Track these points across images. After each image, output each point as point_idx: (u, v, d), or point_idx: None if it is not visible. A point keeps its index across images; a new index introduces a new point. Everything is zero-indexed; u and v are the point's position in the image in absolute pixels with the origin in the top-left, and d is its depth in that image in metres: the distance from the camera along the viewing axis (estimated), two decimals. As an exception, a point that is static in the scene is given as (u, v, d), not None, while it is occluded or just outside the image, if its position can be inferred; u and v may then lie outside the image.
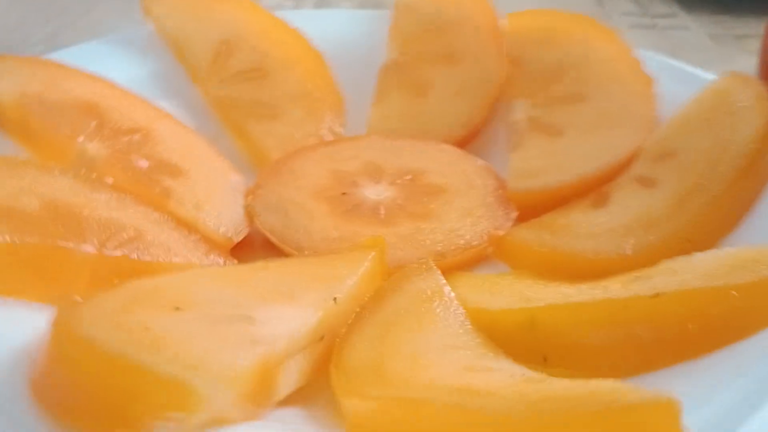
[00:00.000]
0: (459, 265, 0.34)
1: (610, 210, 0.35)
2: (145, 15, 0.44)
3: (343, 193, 0.37)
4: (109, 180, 0.32)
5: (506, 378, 0.24)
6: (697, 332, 0.25)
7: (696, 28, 0.61)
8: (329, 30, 0.47)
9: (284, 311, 0.26)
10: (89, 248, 0.27)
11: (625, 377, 0.26)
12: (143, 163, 0.34)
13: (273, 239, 0.34)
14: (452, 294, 0.30)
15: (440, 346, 0.27)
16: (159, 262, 0.29)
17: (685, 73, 0.41)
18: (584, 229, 0.34)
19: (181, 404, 0.21)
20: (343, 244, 0.33)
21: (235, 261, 0.33)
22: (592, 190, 0.37)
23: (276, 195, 0.36)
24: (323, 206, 0.36)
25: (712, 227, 0.32)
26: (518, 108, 0.42)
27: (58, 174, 0.30)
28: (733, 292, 0.25)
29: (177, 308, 0.25)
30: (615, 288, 0.27)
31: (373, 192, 0.37)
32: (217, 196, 0.35)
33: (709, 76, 0.40)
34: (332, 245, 0.33)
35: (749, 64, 0.48)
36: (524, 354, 0.27)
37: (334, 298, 0.27)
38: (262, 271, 0.29)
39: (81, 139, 0.33)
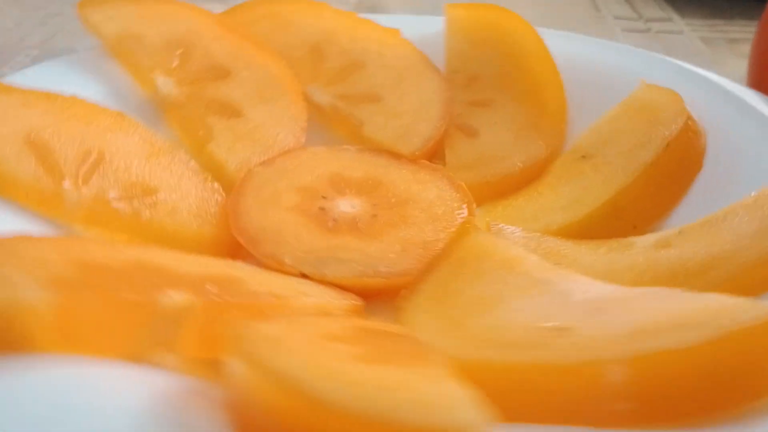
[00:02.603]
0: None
1: (491, 133, 0.42)
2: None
3: (374, 215, 0.35)
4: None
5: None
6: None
7: (689, 32, 0.64)
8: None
9: (582, 290, 0.28)
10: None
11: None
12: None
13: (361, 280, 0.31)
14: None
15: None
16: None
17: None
18: (497, 152, 0.41)
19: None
20: (417, 249, 0.33)
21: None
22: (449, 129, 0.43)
23: (308, 250, 0.33)
24: (348, 236, 0.34)
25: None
26: (314, 93, 0.44)
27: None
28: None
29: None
30: (641, 158, 0.36)
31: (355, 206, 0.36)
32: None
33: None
34: (417, 254, 0.33)
35: (740, 67, 0.52)
36: (617, 232, 0.35)
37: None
38: (473, 283, 0.28)
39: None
